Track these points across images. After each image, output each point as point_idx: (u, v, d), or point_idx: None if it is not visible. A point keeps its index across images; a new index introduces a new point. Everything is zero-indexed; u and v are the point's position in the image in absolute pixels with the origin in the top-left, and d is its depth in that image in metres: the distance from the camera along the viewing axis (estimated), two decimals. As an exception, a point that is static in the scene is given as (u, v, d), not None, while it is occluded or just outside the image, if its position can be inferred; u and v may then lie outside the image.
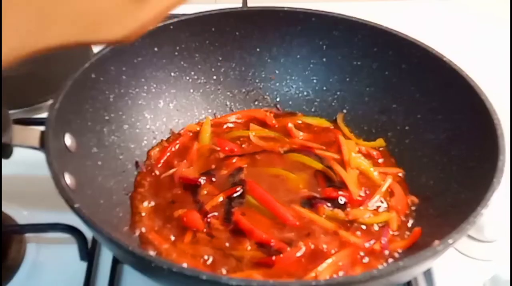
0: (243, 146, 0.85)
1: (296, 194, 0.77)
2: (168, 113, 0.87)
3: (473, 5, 1.26)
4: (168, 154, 0.84)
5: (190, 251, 0.70)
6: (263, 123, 0.89)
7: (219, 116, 0.90)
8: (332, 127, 0.89)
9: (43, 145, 0.65)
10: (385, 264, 0.70)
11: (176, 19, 0.85)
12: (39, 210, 0.80)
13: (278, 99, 0.92)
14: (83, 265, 0.74)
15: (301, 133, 0.88)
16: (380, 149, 0.85)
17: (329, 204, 0.75)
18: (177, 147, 0.85)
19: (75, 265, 0.74)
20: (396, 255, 0.71)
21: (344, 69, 0.89)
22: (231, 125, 0.89)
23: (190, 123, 0.89)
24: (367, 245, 0.72)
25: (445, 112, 0.79)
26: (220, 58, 0.90)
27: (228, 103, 0.91)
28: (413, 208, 0.77)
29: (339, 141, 0.85)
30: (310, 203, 0.76)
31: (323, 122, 0.90)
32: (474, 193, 0.65)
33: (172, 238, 0.72)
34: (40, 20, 0.51)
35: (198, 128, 0.87)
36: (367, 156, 0.84)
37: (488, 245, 0.76)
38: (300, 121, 0.90)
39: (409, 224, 0.75)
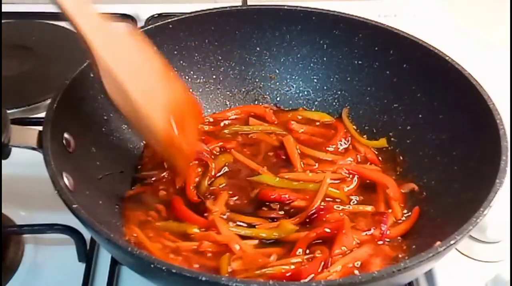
0: (239, 139, 0.85)
1: None
2: (167, 113, 0.87)
3: (474, 4, 1.26)
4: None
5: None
6: (262, 120, 0.89)
7: (218, 116, 0.90)
8: (333, 121, 0.88)
9: (41, 145, 0.64)
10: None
11: (175, 18, 0.85)
12: (37, 210, 0.80)
13: (278, 99, 0.92)
14: (82, 266, 0.73)
15: (301, 129, 0.87)
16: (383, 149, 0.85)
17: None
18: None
19: (74, 266, 0.73)
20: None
21: (345, 68, 0.89)
22: (227, 122, 0.89)
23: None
24: (368, 232, 0.72)
25: (446, 112, 0.78)
26: (220, 58, 0.89)
27: (227, 103, 0.91)
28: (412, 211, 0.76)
29: (337, 137, 0.85)
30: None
31: (324, 116, 0.89)
32: (476, 194, 0.64)
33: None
34: None
35: None
36: (366, 162, 0.83)
37: (490, 246, 0.75)
38: (300, 117, 0.89)
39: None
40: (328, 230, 0.70)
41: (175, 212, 0.74)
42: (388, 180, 0.79)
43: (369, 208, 0.76)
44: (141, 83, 0.67)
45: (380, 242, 0.71)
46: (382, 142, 0.85)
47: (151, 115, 0.67)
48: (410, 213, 0.75)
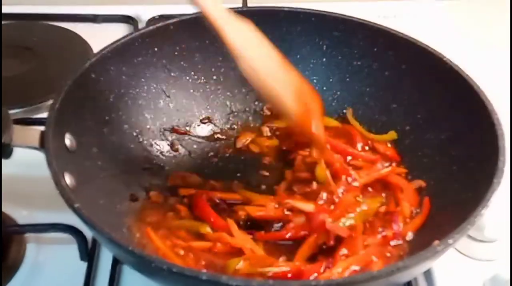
0: None
1: None
2: (168, 113, 0.87)
3: (474, 4, 1.26)
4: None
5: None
6: None
7: (219, 116, 0.90)
8: (341, 126, 0.87)
9: (43, 145, 0.65)
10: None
11: (176, 19, 0.85)
12: (39, 210, 0.80)
13: (278, 99, 0.92)
14: (83, 265, 0.74)
15: None
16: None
17: None
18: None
19: (75, 265, 0.74)
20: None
21: (344, 69, 0.89)
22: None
23: (190, 122, 0.88)
24: (378, 236, 0.71)
25: (445, 112, 0.79)
26: (220, 58, 0.89)
27: (228, 103, 0.91)
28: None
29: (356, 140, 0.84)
30: None
31: (331, 122, 0.88)
32: (474, 193, 0.64)
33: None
34: None
35: None
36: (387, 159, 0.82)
37: (488, 245, 0.76)
38: None
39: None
40: None
41: (196, 209, 0.74)
42: (408, 188, 0.78)
43: (381, 208, 0.75)
44: (271, 71, 0.73)
45: (394, 243, 0.71)
46: (392, 135, 0.84)
47: (285, 100, 0.72)
48: (419, 209, 0.75)
